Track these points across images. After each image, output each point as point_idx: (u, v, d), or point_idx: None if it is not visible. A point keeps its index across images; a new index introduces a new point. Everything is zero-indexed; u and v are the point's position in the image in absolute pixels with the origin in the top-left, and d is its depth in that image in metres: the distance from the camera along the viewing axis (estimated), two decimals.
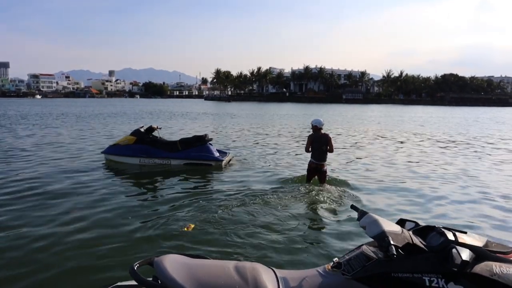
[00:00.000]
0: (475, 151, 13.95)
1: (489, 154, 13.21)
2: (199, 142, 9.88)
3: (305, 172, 7.91)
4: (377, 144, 15.73)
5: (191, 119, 30.24)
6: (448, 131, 23.26)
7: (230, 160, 10.28)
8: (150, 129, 10.22)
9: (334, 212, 6.17)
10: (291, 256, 4.41)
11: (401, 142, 16.36)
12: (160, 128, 10.61)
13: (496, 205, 6.76)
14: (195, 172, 9.12)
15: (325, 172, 7.68)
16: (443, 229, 2.03)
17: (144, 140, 9.93)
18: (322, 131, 7.56)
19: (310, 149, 7.54)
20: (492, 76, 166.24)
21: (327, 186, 7.60)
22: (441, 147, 14.89)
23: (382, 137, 18.68)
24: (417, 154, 12.85)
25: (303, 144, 14.24)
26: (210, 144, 10.05)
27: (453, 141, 17.20)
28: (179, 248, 4.53)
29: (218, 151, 10.25)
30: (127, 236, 5.00)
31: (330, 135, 7.65)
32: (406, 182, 8.50)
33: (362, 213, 2.28)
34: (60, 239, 4.83)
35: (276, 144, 14.70)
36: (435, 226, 2.12)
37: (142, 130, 10.18)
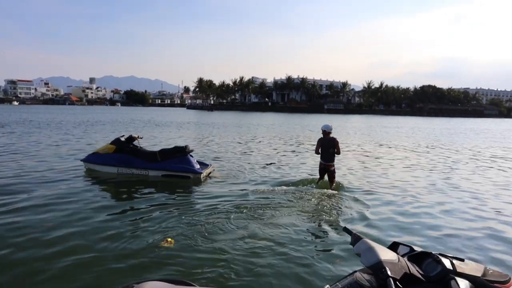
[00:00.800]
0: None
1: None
2: (179, 153, 9.72)
3: (282, 185, 8.94)
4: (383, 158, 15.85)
5: (174, 128, 29.95)
6: (458, 142, 23.68)
7: (210, 172, 10.15)
8: (131, 139, 10.08)
9: (324, 229, 6.06)
10: (278, 281, 4.23)
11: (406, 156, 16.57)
12: (141, 138, 10.44)
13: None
14: (173, 184, 9.02)
15: (334, 171, 8.56)
16: (440, 256, 1.97)
17: (124, 150, 9.78)
18: (331, 135, 8.54)
19: (319, 151, 8.50)
20: (468, 88, 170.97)
21: (317, 193, 8.06)
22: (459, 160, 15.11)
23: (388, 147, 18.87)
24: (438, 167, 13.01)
25: (285, 155, 14.38)
26: (191, 155, 9.91)
27: (457, 151, 17.53)
28: (158, 264, 4.45)
29: (199, 162, 10.13)
30: (103, 251, 4.84)
31: (337, 139, 8.48)
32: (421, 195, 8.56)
33: (356, 238, 2.16)
34: (31, 255, 4.66)
35: (258, 154, 14.65)
36: (431, 252, 2.05)
37: (122, 139, 10.03)
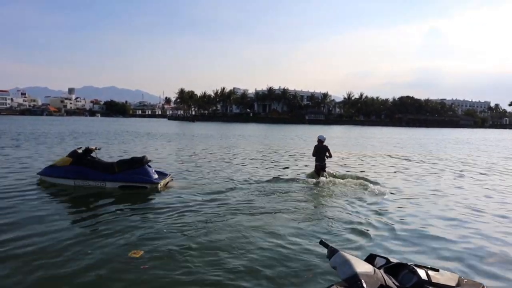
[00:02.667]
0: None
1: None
2: (137, 164, 9.68)
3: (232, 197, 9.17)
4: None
5: (155, 139, 29.70)
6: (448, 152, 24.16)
7: (168, 182, 10.16)
8: (88, 150, 9.92)
9: (297, 231, 6.08)
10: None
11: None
12: (99, 149, 10.36)
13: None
14: (130, 195, 9.01)
15: (325, 168, 11.76)
16: (415, 267, 2.01)
17: (81, 162, 9.64)
18: (324, 144, 11.73)
19: (315, 154, 11.81)
20: (445, 99, 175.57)
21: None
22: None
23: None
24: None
25: (257, 167, 14.33)
26: (149, 165, 9.90)
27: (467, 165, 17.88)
28: (130, 277, 4.44)
29: (158, 172, 10.11)
30: (65, 266, 4.71)
31: (329, 147, 11.78)
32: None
33: (332, 251, 2.18)
34: None
35: (228, 163, 14.63)
36: (407, 264, 2.10)
37: (79, 151, 9.86)
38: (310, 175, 12.03)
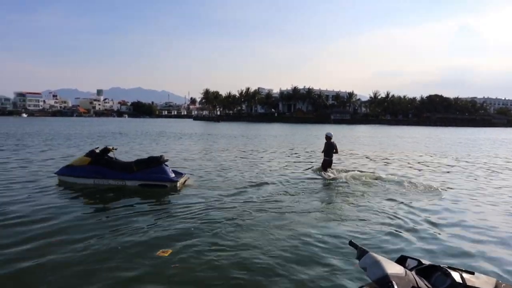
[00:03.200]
0: None
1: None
2: (155, 163, 9.80)
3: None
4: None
5: (182, 139, 30.05)
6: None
7: (185, 180, 10.24)
8: (106, 150, 10.03)
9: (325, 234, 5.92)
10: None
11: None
12: (115, 149, 10.40)
13: None
14: (151, 193, 9.08)
15: (332, 162, 12.85)
16: (448, 269, 1.93)
17: (99, 161, 9.79)
18: (331, 140, 12.76)
19: (325, 150, 12.79)
20: (475, 97, 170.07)
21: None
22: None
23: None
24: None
25: (281, 166, 14.21)
26: (166, 165, 9.99)
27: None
28: (159, 276, 4.42)
29: (174, 171, 10.18)
30: (95, 263, 4.77)
31: (335, 143, 12.88)
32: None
33: (362, 252, 2.12)
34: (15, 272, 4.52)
35: (249, 164, 14.56)
36: (440, 266, 2.02)
37: (97, 151, 10.04)
38: (317, 170, 12.88)
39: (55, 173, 10.32)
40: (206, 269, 4.64)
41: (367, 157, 18.69)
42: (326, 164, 12.67)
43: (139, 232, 6.03)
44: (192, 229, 6.18)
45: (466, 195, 9.76)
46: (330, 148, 12.67)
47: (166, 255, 5.01)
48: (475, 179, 12.55)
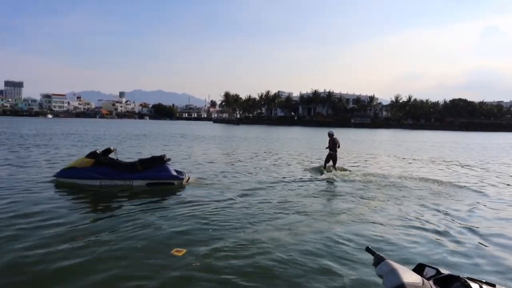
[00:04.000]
0: None
1: None
2: (158, 162, 9.95)
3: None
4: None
5: (204, 141, 30.30)
6: None
7: (188, 179, 10.44)
8: (107, 151, 9.94)
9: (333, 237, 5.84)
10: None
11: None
12: (116, 150, 10.32)
13: None
14: (159, 192, 9.18)
15: (337, 157, 14.37)
16: (468, 281, 1.89)
17: (102, 162, 9.74)
18: (334, 136, 14.39)
19: (330, 146, 14.33)
20: (502, 101, 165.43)
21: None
22: None
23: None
24: None
25: (297, 168, 14.14)
26: (168, 164, 10.16)
27: None
28: (176, 277, 4.40)
29: (175, 170, 10.32)
30: (114, 262, 4.77)
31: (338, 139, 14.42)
32: None
33: (378, 259, 2.06)
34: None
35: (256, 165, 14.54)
36: (459, 276, 1.95)
37: (98, 152, 9.91)
38: (320, 168, 14.33)
39: (54, 176, 9.97)
40: (222, 270, 4.62)
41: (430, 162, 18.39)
42: (330, 157, 14.46)
43: (152, 230, 6.07)
44: (205, 228, 6.21)
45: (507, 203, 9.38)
46: (333, 144, 14.39)
47: (181, 254, 4.99)
48: None
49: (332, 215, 7.42)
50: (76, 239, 5.48)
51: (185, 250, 5.11)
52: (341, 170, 13.94)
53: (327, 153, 14.56)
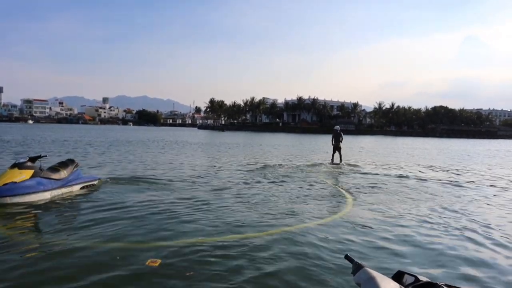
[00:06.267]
0: None
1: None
2: (75, 166, 9.60)
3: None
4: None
5: (186, 149, 30.04)
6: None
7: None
8: (33, 159, 8.51)
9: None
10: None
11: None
12: (45, 156, 9.28)
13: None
14: (93, 194, 9.10)
15: (340, 148, 18.54)
16: (445, 287, 1.89)
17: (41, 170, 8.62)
18: (338, 131, 18.68)
19: (333, 139, 18.73)
20: (481, 109, 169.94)
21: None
22: None
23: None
24: None
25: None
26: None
27: None
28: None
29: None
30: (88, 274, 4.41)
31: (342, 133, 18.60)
32: None
33: (357, 267, 2.06)
34: None
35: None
36: (437, 283, 1.95)
37: (22, 160, 8.25)
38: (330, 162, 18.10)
39: None
40: (215, 276, 4.47)
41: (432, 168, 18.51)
42: (335, 148, 18.65)
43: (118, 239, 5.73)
44: (166, 232, 6.12)
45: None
46: (337, 137, 18.47)
47: (156, 265, 4.70)
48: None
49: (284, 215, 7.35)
50: None
51: (159, 261, 4.82)
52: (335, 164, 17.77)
53: (333, 145, 18.75)
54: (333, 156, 19.01)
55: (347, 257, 2.32)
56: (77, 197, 8.77)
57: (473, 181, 14.12)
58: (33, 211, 7.34)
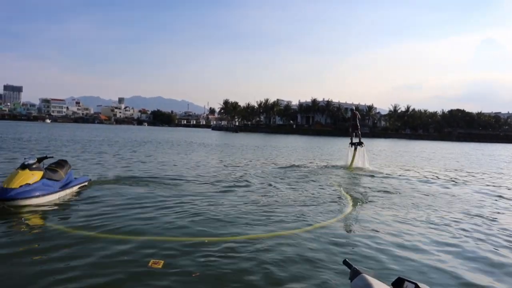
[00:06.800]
0: None
1: None
2: (69, 167, 9.30)
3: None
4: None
5: (201, 149, 30.16)
6: None
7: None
8: (41, 160, 8.46)
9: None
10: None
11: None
12: (51, 157, 9.23)
13: None
14: (88, 196, 8.88)
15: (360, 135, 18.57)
16: None
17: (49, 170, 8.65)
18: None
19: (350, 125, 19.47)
20: (499, 112, 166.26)
21: None
22: None
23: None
24: None
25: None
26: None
27: None
28: None
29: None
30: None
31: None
32: None
33: (354, 273, 2.04)
34: None
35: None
36: None
37: (30, 161, 8.06)
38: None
39: (9, 199, 7.39)
40: (223, 275, 4.47)
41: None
42: (353, 132, 18.72)
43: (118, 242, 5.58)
44: (169, 232, 6.08)
45: None
46: (354, 118, 19.35)
47: (160, 266, 4.60)
48: None
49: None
50: None
51: (162, 261, 4.72)
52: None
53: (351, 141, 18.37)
54: (352, 144, 18.28)
55: (345, 263, 2.29)
56: (84, 198, 8.73)
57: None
58: (45, 213, 7.30)
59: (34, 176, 7.90)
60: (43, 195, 7.88)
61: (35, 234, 5.96)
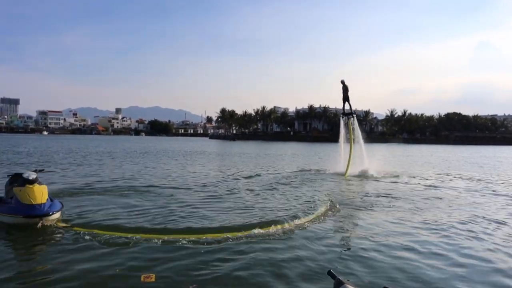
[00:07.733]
0: None
1: None
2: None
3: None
4: None
5: (195, 159, 30.15)
6: None
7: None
8: (39, 172, 8.28)
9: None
10: None
11: None
12: (42, 170, 9.21)
13: None
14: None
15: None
16: None
17: None
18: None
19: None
20: (496, 115, 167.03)
21: None
22: None
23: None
24: None
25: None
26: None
27: None
28: None
29: None
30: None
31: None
32: None
33: (338, 283, 2.08)
34: None
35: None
36: None
37: (35, 175, 7.54)
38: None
39: (44, 214, 6.97)
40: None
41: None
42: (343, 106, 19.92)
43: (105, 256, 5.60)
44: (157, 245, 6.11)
45: None
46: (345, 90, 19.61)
47: (152, 280, 4.58)
48: None
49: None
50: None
51: (154, 275, 4.72)
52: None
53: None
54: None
55: (329, 273, 2.31)
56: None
57: None
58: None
59: (46, 190, 7.48)
60: (61, 208, 7.51)
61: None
